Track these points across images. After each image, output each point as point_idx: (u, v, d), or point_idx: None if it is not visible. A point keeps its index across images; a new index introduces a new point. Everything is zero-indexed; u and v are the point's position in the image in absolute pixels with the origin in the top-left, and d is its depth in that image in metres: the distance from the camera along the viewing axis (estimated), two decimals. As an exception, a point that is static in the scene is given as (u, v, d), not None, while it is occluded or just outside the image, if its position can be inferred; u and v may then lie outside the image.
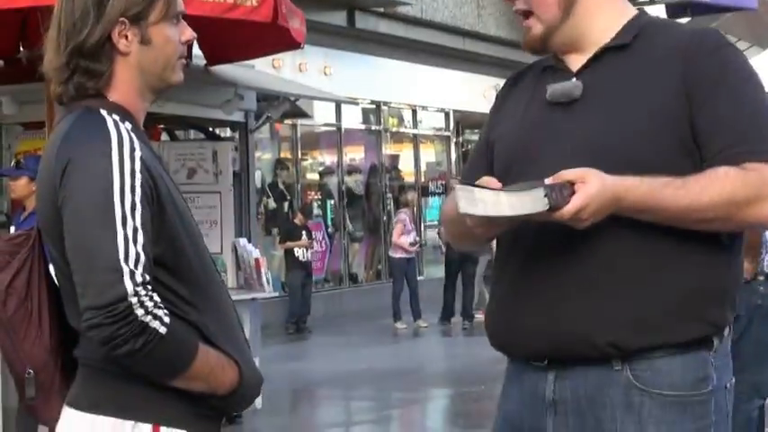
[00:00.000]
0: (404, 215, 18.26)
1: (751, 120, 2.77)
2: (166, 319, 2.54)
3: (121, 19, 2.68)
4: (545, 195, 2.62)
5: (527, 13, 2.98)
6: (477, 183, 2.75)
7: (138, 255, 2.51)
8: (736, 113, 2.77)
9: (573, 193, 2.65)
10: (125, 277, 2.49)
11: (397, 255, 17.97)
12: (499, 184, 2.75)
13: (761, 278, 7.11)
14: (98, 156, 2.56)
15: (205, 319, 2.68)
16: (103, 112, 2.64)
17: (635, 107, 2.81)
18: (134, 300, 2.49)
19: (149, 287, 2.52)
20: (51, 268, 2.75)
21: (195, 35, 2.83)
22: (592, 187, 2.66)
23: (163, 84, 2.79)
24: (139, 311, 2.49)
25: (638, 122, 2.78)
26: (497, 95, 3.20)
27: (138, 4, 2.69)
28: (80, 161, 2.56)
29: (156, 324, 2.51)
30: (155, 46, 2.72)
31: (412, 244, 17.85)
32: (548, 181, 2.66)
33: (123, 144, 2.58)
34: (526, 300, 2.86)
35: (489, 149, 3.05)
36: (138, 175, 2.56)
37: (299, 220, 17.45)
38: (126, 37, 2.69)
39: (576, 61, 2.97)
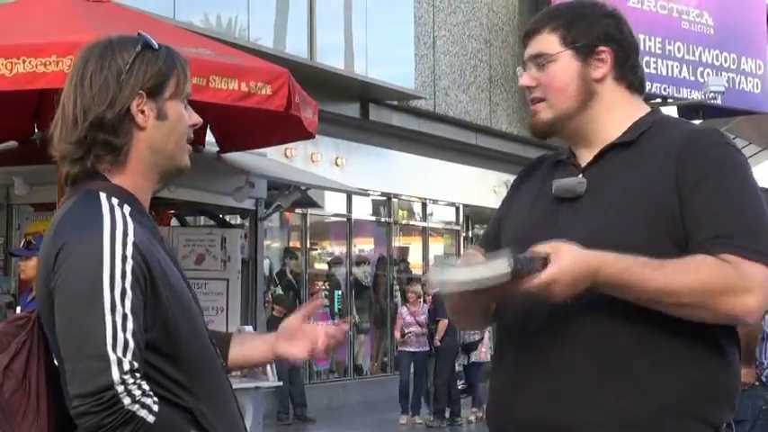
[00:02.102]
0: (402, 309, 18.22)
1: (734, 214, 2.79)
2: (155, 408, 2.51)
3: (140, 91, 2.70)
4: (508, 262, 2.63)
5: (539, 99, 3.01)
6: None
7: (126, 342, 2.50)
8: (720, 207, 2.78)
9: (545, 265, 2.67)
10: (112, 366, 2.47)
11: (400, 348, 17.97)
12: (482, 257, 2.77)
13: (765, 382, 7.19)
14: (89, 241, 2.56)
15: (201, 405, 2.65)
16: (102, 196, 2.64)
17: (632, 206, 2.83)
18: (120, 388, 2.47)
19: (137, 375, 2.50)
20: None
21: (201, 120, 2.86)
22: (565, 259, 2.67)
23: (171, 165, 2.79)
24: (126, 400, 2.47)
25: (634, 221, 2.81)
26: (511, 185, 3.24)
27: (155, 78, 2.72)
28: (72, 246, 2.56)
29: (143, 413, 2.49)
30: (170, 122, 2.74)
31: (402, 335, 17.76)
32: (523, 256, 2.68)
33: (116, 229, 2.57)
34: (519, 393, 2.86)
35: (496, 237, 3.08)
36: (130, 261, 2.55)
37: (277, 312, 17.36)
38: (143, 111, 2.71)
39: (585, 155, 3.00)
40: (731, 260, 2.72)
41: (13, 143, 8.72)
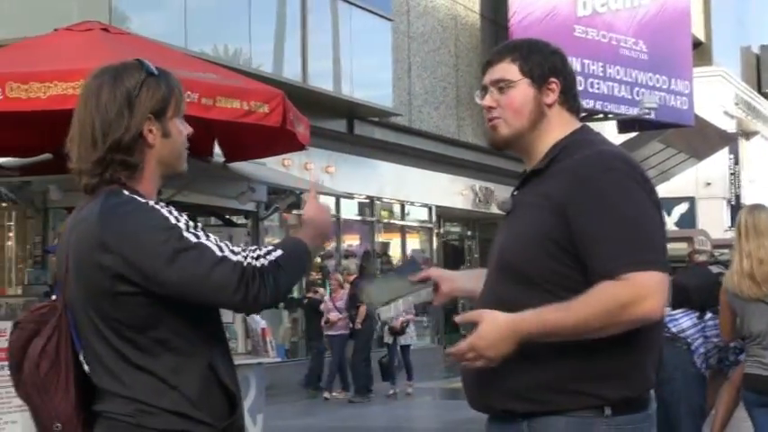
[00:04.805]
0: (326, 296, 17.69)
1: (618, 234, 2.72)
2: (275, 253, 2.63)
3: (149, 115, 2.68)
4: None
5: (497, 117, 3.02)
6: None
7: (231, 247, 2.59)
8: (610, 232, 2.72)
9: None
10: (227, 259, 2.55)
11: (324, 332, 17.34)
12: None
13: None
14: (147, 214, 2.58)
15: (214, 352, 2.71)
16: (125, 192, 2.66)
17: (528, 227, 2.82)
18: (241, 260, 2.56)
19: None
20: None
21: (192, 130, 2.84)
22: (486, 326, 2.73)
23: (173, 171, 2.80)
24: (246, 263, 2.56)
25: (527, 241, 2.80)
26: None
27: (160, 102, 2.71)
28: (135, 226, 2.57)
29: (262, 261, 2.60)
30: (172, 138, 2.74)
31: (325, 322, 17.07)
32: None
33: (158, 203, 2.61)
34: (468, 376, 2.95)
35: None
36: (184, 215, 2.61)
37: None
38: (151, 131, 2.70)
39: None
40: (627, 277, 2.67)
41: (48, 155, 8.67)
